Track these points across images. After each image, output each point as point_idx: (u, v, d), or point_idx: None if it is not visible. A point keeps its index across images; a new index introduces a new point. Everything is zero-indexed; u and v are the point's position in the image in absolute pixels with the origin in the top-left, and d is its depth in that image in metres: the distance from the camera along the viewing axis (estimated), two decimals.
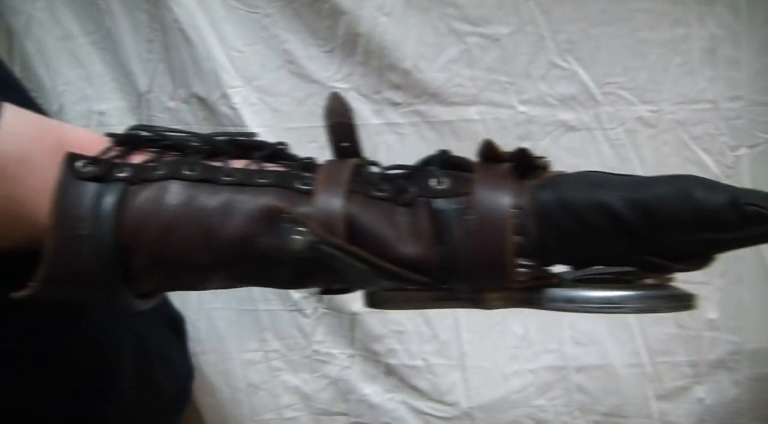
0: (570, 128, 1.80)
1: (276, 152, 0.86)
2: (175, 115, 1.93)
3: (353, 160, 0.83)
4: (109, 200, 0.77)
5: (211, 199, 0.78)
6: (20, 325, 0.99)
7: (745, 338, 1.84)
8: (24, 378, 1.03)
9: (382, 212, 0.76)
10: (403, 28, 1.84)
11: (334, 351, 1.96)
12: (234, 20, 1.88)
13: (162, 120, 1.94)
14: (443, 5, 1.83)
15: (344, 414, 2.01)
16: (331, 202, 0.75)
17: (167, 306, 1.56)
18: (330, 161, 0.84)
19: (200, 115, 1.90)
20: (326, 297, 1.95)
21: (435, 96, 1.85)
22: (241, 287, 0.86)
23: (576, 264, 0.80)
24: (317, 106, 1.98)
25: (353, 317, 1.93)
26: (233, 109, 1.88)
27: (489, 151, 0.79)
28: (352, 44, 1.86)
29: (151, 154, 0.84)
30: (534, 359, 1.91)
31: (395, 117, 1.86)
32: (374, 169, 0.88)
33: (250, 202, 0.77)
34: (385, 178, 0.82)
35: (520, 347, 1.91)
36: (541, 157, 0.80)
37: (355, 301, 1.92)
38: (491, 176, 0.76)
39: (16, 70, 1.94)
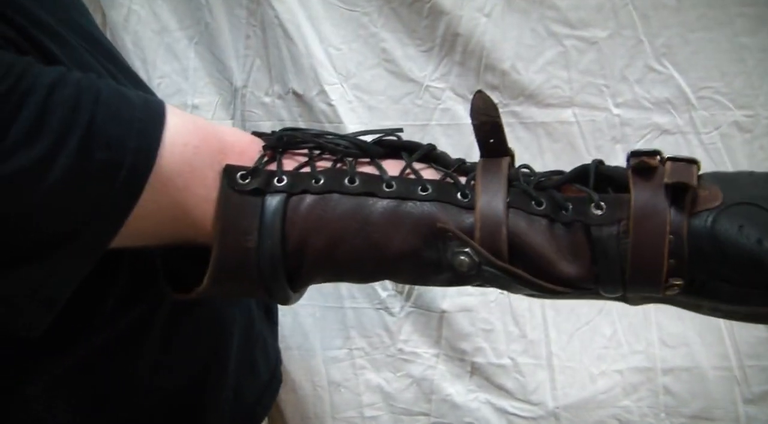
0: (664, 132, 1.75)
1: (427, 154, 0.86)
2: (270, 111, 1.88)
3: (506, 161, 0.83)
4: (273, 214, 0.79)
5: (374, 212, 0.80)
6: (143, 308, 0.99)
7: None
8: (146, 355, 1.02)
9: (542, 231, 0.77)
10: (503, 29, 1.79)
11: (419, 350, 1.89)
12: (333, 18, 1.83)
13: (257, 115, 1.87)
14: (542, 7, 1.78)
15: (426, 414, 1.95)
16: (493, 218, 0.76)
17: None
18: (484, 162, 0.84)
19: (296, 112, 1.86)
20: (414, 294, 1.93)
21: (531, 97, 1.80)
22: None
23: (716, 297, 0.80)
24: (413, 104, 1.96)
25: (441, 315, 1.86)
26: (330, 105, 1.83)
27: (641, 165, 0.77)
28: (450, 44, 1.81)
29: (302, 157, 0.86)
30: (621, 359, 1.83)
31: None
32: (526, 171, 0.87)
33: (414, 216, 0.79)
34: (540, 187, 0.81)
35: (608, 347, 1.84)
36: (692, 161, 0.78)
37: (444, 299, 1.87)
38: (647, 199, 0.74)
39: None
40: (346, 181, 0.80)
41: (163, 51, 1.89)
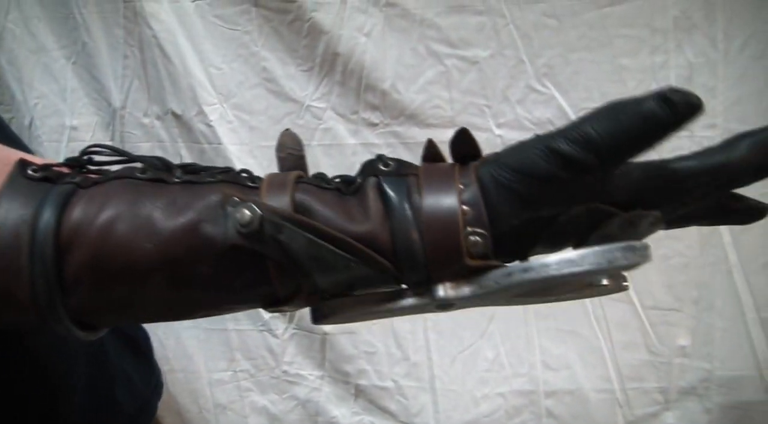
0: None
1: (228, 170, 0.73)
2: (149, 132, 1.68)
3: (297, 171, 0.71)
4: (50, 207, 0.64)
5: (158, 197, 0.65)
6: None
7: (715, 366, 1.61)
8: None
9: (331, 197, 0.65)
10: (383, 48, 1.60)
11: (304, 372, 1.70)
12: (213, 37, 1.64)
13: (136, 136, 1.68)
14: (423, 27, 1.59)
15: None
16: (279, 186, 0.65)
17: (127, 327, 1.42)
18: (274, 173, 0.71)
19: (175, 132, 1.66)
20: (297, 316, 1.79)
21: (412, 117, 1.62)
22: (172, 307, 0.70)
23: (529, 225, 0.63)
24: (294, 124, 1.78)
25: (324, 336, 1.67)
26: (209, 126, 1.64)
27: (431, 149, 0.70)
28: (331, 64, 1.62)
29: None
30: (504, 382, 1.65)
31: (372, 137, 1.63)
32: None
33: (199, 196, 0.64)
34: (333, 178, 0.71)
35: (491, 370, 1.65)
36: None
37: None
38: (435, 165, 0.67)
39: None
40: (138, 173, 0.67)
41: (40, 71, 1.66)
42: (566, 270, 0.58)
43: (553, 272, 0.58)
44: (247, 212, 0.61)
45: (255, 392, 1.72)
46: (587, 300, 1.65)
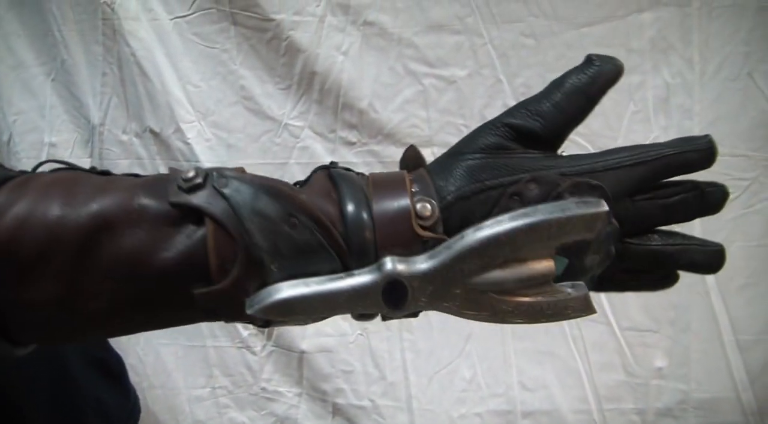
0: None
1: None
2: (128, 149, 1.66)
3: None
4: None
5: (93, 180, 0.59)
6: None
7: (692, 387, 1.59)
8: None
9: (282, 182, 0.61)
10: (360, 67, 1.58)
11: (282, 389, 1.68)
12: (192, 55, 1.62)
13: (114, 153, 1.66)
14: (400, 46, 1.58)
15: None
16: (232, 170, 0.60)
17: (96, 350, 1.40)
18: None
19: (153, 150, 1.64)
20: (275, 334, 1.79)
21: (389, 136, 1.60)
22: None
23: (480, 201, 0.59)
24: (272, 142, 1.76)
25: (301, 355, 1.65)
26: (187, 143, 1.62)
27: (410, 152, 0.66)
28: (308, 82, 1.60)
29: None
30: (481, 402, 1.63)
31: (349, 156, 1.61)
32: None
33: (137, 179, 0.59)
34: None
35: (468, 390, 1.63)
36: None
37: (303, 339, 1.65)
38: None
39: None
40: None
41: (19, 87, 1.64)
42: (520, 221, 0.55)
43: (507, 225, 0.55)
44: (192, 171, 0.56)
45: (233, 409, 1.71)
46: (564, 321, 1.62)
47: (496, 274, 0.57)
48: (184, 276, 0.55)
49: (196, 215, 0.55)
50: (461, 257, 0.56)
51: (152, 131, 1.63)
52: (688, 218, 0.62)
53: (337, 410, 1.67)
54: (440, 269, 0.56)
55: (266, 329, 1.66)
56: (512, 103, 1.60)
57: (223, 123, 1.64)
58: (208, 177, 0.56)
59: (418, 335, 1.64)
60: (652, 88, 1.56)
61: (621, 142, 1.52)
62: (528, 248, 0.56)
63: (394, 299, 0.56)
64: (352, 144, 1.61)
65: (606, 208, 0.57)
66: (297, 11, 1.59)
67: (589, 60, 0.64)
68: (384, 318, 0.61)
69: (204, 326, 1.68)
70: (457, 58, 1.59)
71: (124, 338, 1.68)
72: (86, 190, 0.57)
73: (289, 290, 0.55)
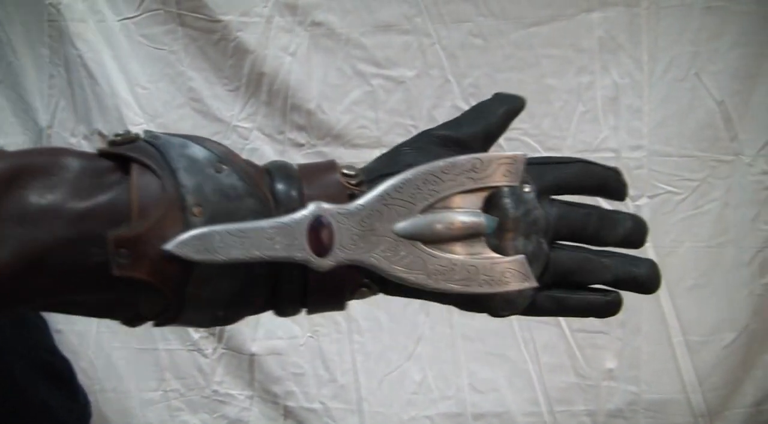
0: None
1: None
2: None
3: None
4: None
5: None
6: None
7: (642, 389, 1.57)
8: None
9: None
10: (308, 68, 1.56)
11: (233, 392, 1.66)
12: (139, 57, 1.60)
13: None
14: (348, 46, 1.55)
15: None
16: None
17: (43, 353, 1.38)
18: None
19: None
20: (226, 336, 1.73)
21: (338, 138, 1.57)
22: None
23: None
24: None
25: (251, 357, 1.63)
26: None
27: None
28: (256, 84, 1.58)
29: None
30: (431, 405, 1.61)
31: (298, 158, 1.57)
32: None
33: None
34: None
35: (418, 392, 1.61)
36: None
37: (253, 341, 1.64)
38: None
39: None
40: None
41: None
42: (441, 162, 0.56)
43: (428, 164, 0.56)
44: (124, 131, 0.55)
45: (186, 412, 1.69)
46: (515, 323, 1.61)
47: (423, 218, 0.56)
48: (102, 221, 0.51)
49: (124, 166, 0.52)
50: (384, 194, 0.55)
51: (100, 134, 1.61)
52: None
53: (288, 413, 1.66)
54: (365, 207, 0.54)
55: (217, 331, 1.64)
56: (461, 103, 1.58)
57: (171, 125, 1.61)
58: (140, 134, 0.55)
59: (367, 338, 1.62)
60: (601, 89, 1.54)
61: (570, 143, 1.51)
62: (447, 186, 0.56)
63: (317, 239, 0.54)
64: (301, 145, 1.59)
65: (523, 153, 0.58)
66: (244, 12, 1.57)
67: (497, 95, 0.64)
68: (309, 302, 0.57)
69: (156, 329, 1.65)
70: (405, 59, 1.57)
71: (75, 341, 1.67)
72: (13, 153, 0.54)
73: (208, 227, 0.52)
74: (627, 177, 0.52)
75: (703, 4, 1.49)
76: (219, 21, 1.57)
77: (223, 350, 1.66)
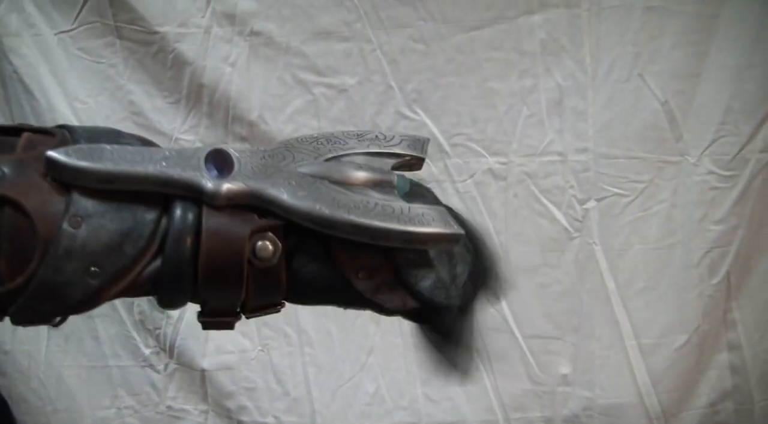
0: (419, 180, 1.55)
1: None
2: None
3: None
4: None
5: None
6: None
7: (597, 393, 1.55)
8: None
9: None
10: (249, 78, 1.53)
11: (188, 407, 1.63)
12: (78, 71, 1.56)
13: None
14: (289, 55, 1.52)
15: None
16: None
17: None
18: None
19: None
20: (177, 351, 1.75)
21: None
22: None
23: None
24: None
25: (203, 373, 1.60)
26: None
27: None
28: (197, 95, 1.54)
29: None
30: (386, 416, 1.59)
31: None
32: None
33: None
34: None
35: (372, 404, 1.59)
36: None
37: (203, 357, 1.61)
38: None
39: None
40: None
41: None
42: (338, 130, 0.57)
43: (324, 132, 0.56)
44: None
45: None
46: None
47: (328, 163, 0.55)
48: None
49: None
50: (286, 143, 0.54)
51: None
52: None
53: None
54: (268, 149, 0.53)
55: (167, 346, 1.61)
56: (404, 109, 1.55)
57: None
58: None
59: (319, 350, 1.59)
60: (544, 91, 1.51)
61: (516, 147, 1.48)
62: (351, 146, 0.56)
63: (219, 164, 0.51)
64: None
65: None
66: (182, 23, 1.53)
67: None
68: (203, 254, 0.51)
69: (106, 346, 1.63)
70: (346, 66, 1.53)
71: (24, 362, 1.64)
72: None
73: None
74: (574, 180, 0.50)
75: (643, 4, 1.46)
76: (156, 33, 1.54)
77: (175, 366, 1.64)
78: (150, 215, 0.50)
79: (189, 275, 0.50)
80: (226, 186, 0.50)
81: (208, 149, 0.51)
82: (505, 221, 1.53)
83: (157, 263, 0.50)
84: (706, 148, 1.49)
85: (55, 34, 1.57)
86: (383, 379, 1.59)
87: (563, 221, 1.52)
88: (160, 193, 0.50)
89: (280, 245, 0.51)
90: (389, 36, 1.52)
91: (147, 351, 1.64)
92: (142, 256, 0.50)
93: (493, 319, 1.58)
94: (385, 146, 0.57)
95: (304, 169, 0.53)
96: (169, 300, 0.52)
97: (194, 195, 0.50)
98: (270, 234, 0.51)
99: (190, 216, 0.50)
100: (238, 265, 0.51)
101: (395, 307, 0.57)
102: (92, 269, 0.49)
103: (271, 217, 0.51)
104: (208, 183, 0.50)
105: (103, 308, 1.60)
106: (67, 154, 0.48)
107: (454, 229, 0.53)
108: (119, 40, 1.57)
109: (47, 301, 0.49)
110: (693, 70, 1.48)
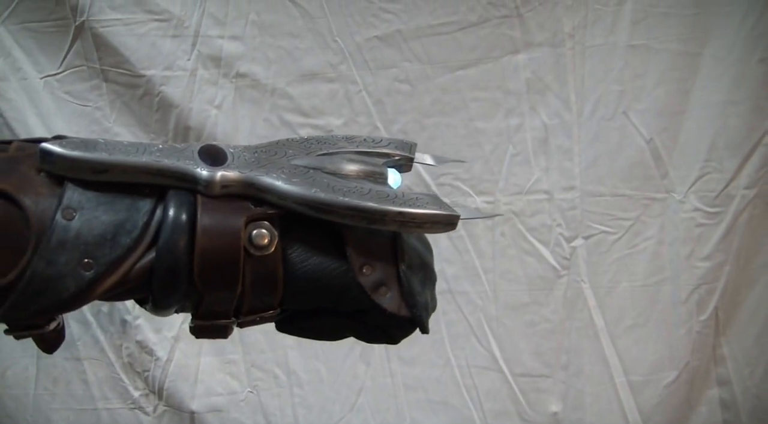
0: None
1: None
2: None
3: None
4: None
5: None
6: None
7: None
8: None
9: None
10: (235, 120, 1.52)
11: None
12: (64, 114, 1.55)
13: None
14: (274, 97, 1.52)
15: None
16: None
17: None
18: None
19: None
20: (165, 394, 1.71)
21: None
22: None
23: None
24: None
25: (192, 415, 1.57)
26: None
27: None
28: (183, 138, 1.53)
29: None
30: None
31: None
32: None
33: None
34: None
35: None
36: None
37: (192, 399, 1.58)
38: None
39: None
40: None
41: None
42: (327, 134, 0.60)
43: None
44: None
45: None
46: (456, 370, 1.57)
47: (321, 157, 0.56)
48: None
49: None
50: (279, 141, 0.56)
51: None
52: None
53: None
54: (261, 145, 0.54)
55: (156, 389, 1.59)
56: None
57: None
58: None
59: (308, 390, 1.57)
60: (530, 130, 1.50)
61: (502, 186, 1.47)
62: (342, 146, 0.58)
63: (211, 158, 0.51)
64: None
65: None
66: (167, 66, 1.53)
67: None
68: (198, 244, 0.50)
69: (95, 388, 1.61)
70: (332, 107, 1.53)
71: (12, 405, 1.62)
72: None
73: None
74: (561, 219, 0.49)
75: (627, 42, 1.46)
76: (142, 76, 1.53)
77: (165, 408, 1.62)
78: (144, 206, 0.50)
79: (184, 266, 0.50)
80: (221, 173, 0.51)
81: (201, 144, 0.52)
82: (492, 259, 1.52)
83: (152, 255, 0.49)
84: (692, 185, 1.49)
85: (42, 78, 1.56)
86: (373, 420, 1.58)
87: (551, 259, 1.51)
88: (155, 185, 0.50)
89: (276, 233, 0.51)
90: (374, 77, 1.52)
91: (136, 393, 1.62)
92: (136, 246, 0.49)
93: (482, 357, 1.56)
94: (374, 147, 0.59)
95: (297, 162, 0.54)
96: (163, 297, 0.51)
97: (188, 185, 0.50)
98: (266, 223, 0.51)
99: (185, 205, 0.50)
100: (234, 253, 0.50)
101: (391, 309, 0.55)
102: (85, 260, 0.49)
103: (267, 206, 0.52)
104: (203, 171, 0.50)
105: (92, 351, 1.57)
106: (61, 145, 0.49)
107: (451, 210, 0.53)
108: (105, 83, 1.56)
109: (40, 296, 0.48)
110: (677, 108, 1.47)
